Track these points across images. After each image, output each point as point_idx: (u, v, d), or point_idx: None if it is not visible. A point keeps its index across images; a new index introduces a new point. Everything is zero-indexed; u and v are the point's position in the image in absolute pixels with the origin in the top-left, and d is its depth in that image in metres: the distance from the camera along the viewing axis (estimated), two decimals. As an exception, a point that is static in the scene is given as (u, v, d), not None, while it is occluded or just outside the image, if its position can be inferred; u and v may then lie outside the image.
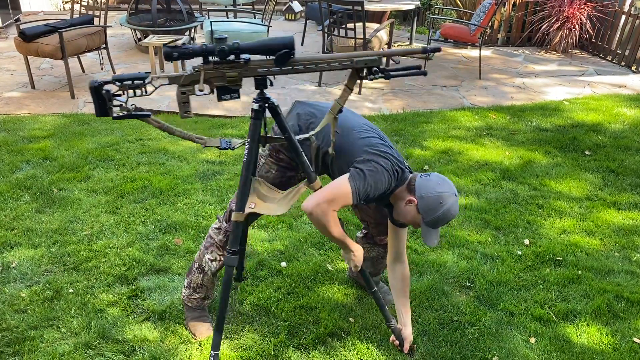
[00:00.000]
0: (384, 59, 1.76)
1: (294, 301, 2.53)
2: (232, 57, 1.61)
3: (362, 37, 5.26)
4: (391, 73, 1.67)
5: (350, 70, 1.69)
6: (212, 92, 1.66)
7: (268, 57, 1.63)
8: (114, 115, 1.61)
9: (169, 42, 1.63)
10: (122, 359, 2.19)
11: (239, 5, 7.49)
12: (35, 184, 3.48)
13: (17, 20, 7.37)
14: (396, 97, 5.43)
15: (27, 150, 3.94)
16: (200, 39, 7.14)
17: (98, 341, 2.25)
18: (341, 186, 1.81)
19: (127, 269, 2.71)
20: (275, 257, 2.84)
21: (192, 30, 6.58)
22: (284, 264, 2.79)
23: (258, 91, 1.72)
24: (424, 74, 1.68)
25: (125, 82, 1.57)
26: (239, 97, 1.68)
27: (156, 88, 1.62)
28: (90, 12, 5.62)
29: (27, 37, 4.87)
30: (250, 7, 7.93)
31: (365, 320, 2.43)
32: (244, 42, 1.61)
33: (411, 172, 1.99)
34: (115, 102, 1.60)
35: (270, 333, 2.34)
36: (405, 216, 1.95)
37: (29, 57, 5.12)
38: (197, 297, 2.31)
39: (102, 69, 5.78)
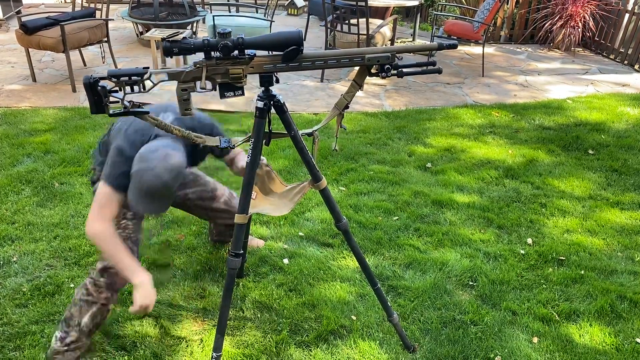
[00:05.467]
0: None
1: (295, 298, 2.52)
2: (236, 52, 1.53)
3: (365, 33, 5.24)
4: (404, 70, 1.59)
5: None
6: (214, 89, 1.58)
7: (270, 52, 1.56)
8: (111, 112, 1.53)
9: (169, 36, 1.56)
10: (123, 354, 2.18)
11: (242, -1, 7.46)
12: (36, 177, 3.46)
13: (18, 12, 7.32)
14: (399, 94, 5.41)
15: (28, 144, 3.92)
16: (203, 34, 7.11)
17: (99, 336, 2.24)
18: (99, 191, 1.89)
19: (128, 264, 2.70)
20: (277, 253, 2.83)
21: (194, 25, 6.54)
22: (285, 260, 2.78)
23: (263, 88, 1.65)
24: (439, 71, 1.61)
25: (122, 78, 1.49)
26: (243, 94, 1.61)
27: (155, 84, 1.54)
28: (92, 5, 5.58)
29: (28, 30, 4.84)
30: (253, 1, 7.89)
31: (367, 318, 2.43)
32: (249, 37, 1.53)
33: None
34: (111, 99, 1.52)
35: (271, 330, 2.34)
36: None
37: (30, 49, 5.09)
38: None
39: (103, 63, 5.75)
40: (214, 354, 1.92)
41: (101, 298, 1.99)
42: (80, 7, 5.70)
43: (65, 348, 2.01)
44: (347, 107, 1.74)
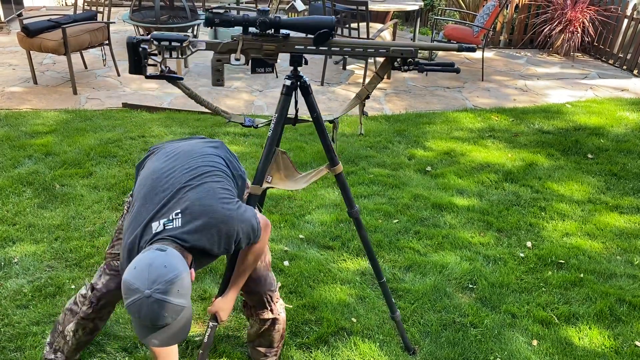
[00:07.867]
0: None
1: (296, 300, 2.53)
2: (271, 30, 1.62)
3: (365, 37, 5.26)
4: (425, 67, 1.68)
5: (383, 59, 1.71)
6: (247, 63, 1.67)
7: (307, 35, 1.64)
8: (147, 74, 1.62)
9: (212, 8, 1.62)
10: (124, 355, 2.19)
11: (242, 3, 7.49)
12: (38, 179, 3.47)
13: (20, 15, 7.36)
14: (398, 98, 5.43)
15: (29, 146, 3.93)
16: (204, 37, 7.14)
17: (100, 337, 2.25)
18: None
19: (129, 265, 2.70)
20: (277, 256, 2.84)
21: (195, 28, 6.56)
22: (286, 262, 2.79)
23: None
24: (457, 71, 1.72)
25: (162, 43, 1.58)
26: (272, 71, 1.71)
27: (192, 52, 1.62)
28: (94, 8, 5.61)
29: (30, 32, 4.85)
30: (254, 5, 7.92)
31: (368, 320, 2.43)
32: (285, 18, 1.63)
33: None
34: (150, 62, 1.62)
35: (272, 332, 2.34)
36: None
37: (31, 52, 5.11)
38: None
39: (104, 65, 5.77)
40: (211, 324, 1.90)
41: (82, 311, 1.87)
42: (81, 9, 5.72)
43: (53, 357, 1.99)
44: (367, 97, 1.84)
